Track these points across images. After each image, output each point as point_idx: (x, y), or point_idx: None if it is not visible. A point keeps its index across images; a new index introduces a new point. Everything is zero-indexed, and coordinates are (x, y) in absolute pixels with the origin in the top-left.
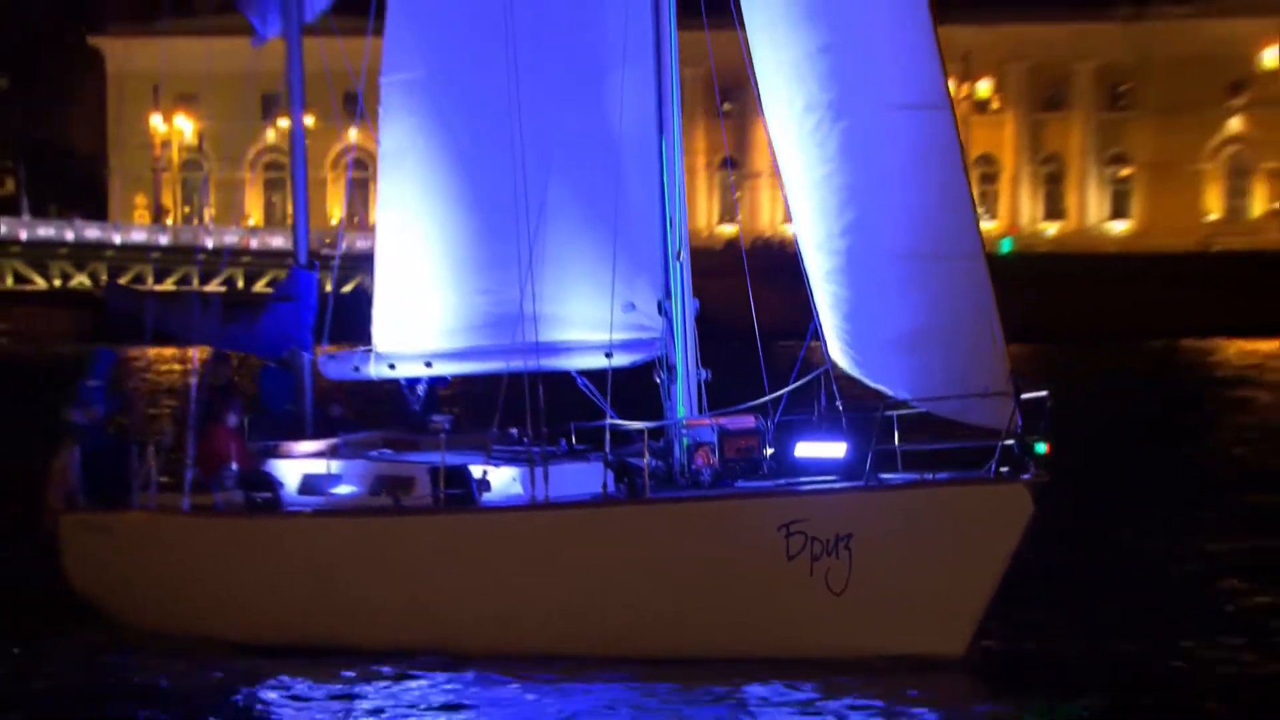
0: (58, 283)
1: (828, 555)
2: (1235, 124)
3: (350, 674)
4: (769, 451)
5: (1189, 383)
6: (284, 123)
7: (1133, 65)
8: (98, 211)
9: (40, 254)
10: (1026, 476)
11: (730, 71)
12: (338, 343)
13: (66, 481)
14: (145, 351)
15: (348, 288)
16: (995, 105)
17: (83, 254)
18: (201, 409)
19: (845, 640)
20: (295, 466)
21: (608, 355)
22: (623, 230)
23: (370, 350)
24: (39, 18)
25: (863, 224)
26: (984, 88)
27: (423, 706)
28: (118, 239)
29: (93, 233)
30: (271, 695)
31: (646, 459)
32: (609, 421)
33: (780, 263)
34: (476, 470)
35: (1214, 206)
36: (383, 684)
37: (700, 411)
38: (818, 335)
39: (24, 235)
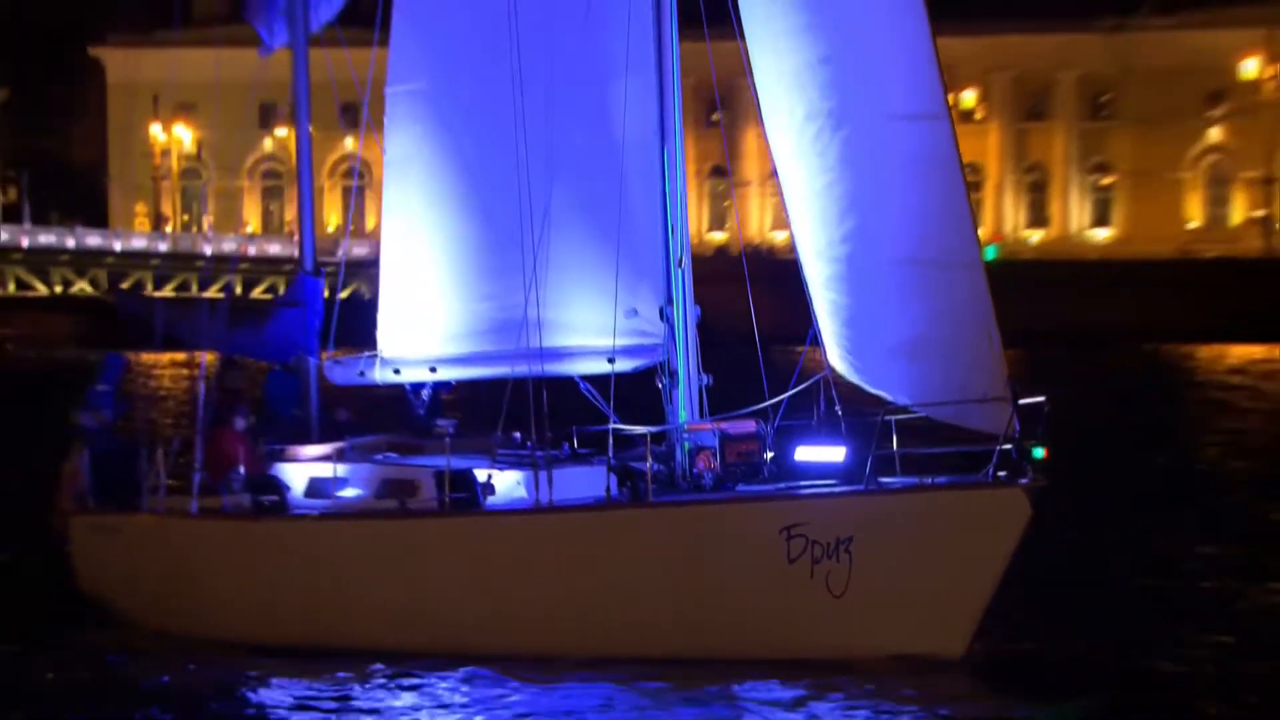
0: (59, 289)
1: (828, 558)
2: (1215, 133)
3: (355, 675)
4: (769, 456)
5: (1171, 387)
6: (281, 132)
7: (1114, 76)
8: (98, 219)
9: (42, 261)
10: (1024, 481)
11: (720, 81)
12: (340, 347)
13: (76, 484)
14: (140, 356)
15: (344, 294)
16: (980, 115)
17: (83, 261)
18: (210, 413)
19: (845, 641)
20: (302, 470)
21: (610, 361)
22: (625, 238)
23: (375, 355)
24: (41, 29)
25: (863, 232)
26: (969, 98)
27: (426, 707)
28: (118, 246)
29: (93, 240)
30: (277, 695)
31: (649, 463)
32: (612, 426)
33: (770, 269)
34: (481, 474)
35: (1194, 214)
36: (387, 684)
37: (702, 416)
38: (817, 341)
39: (26, 242)
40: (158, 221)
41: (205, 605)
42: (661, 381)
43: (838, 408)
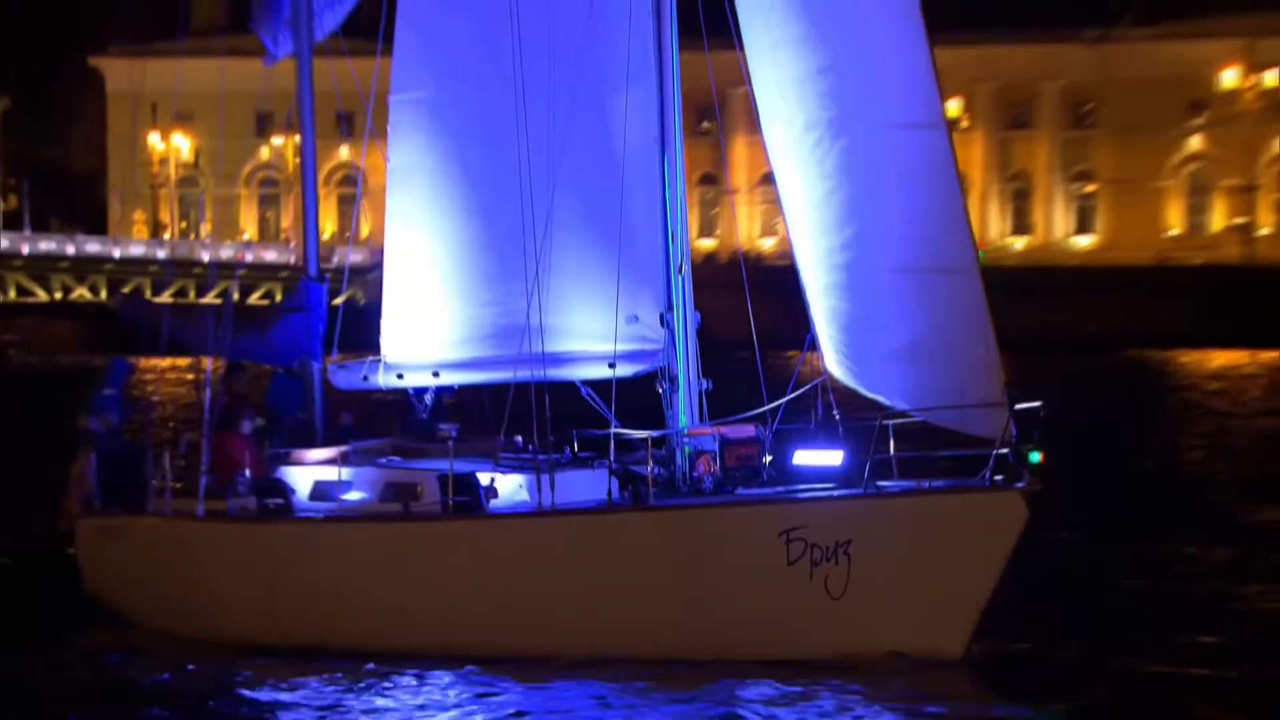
0: (59, 295)
1: (827, 560)
2: (1195, 142)
3: (358, 675)
4: (768, 459)
5: (1155, 392)
6: (278, 140)
7: (1096, 86)
8: (98, 226)
9: (42, 267)
10: (1021, 484)
11: (707, 92)
12: (343, 352)
13: (83, 487)
14: (139, 361)
15: (338, 300)
16: (964, 124)
17: (83, 267)
18: (215, 417)
19: (844, 643)
20: (306, 473)
21: (611, 366)
22: (626, 245)
23: (379, 360)
24: (41, 39)
25: (861, 239)
26: (953, 107)
27: (428, 707)
28: (117, 253)
29: (93, 247)
30: (281, 696)
31: (650, 467)
32: (613, 430)
33: (758, 275)
34: (484, 477)
35: (1175, 222)
36: (390, 685)
37: (701, 421)
38: (814, 346)
39: (26, 249)
40: (156, 229)
41: (211, 606)
42: (662, 386)
43: (835, 412)
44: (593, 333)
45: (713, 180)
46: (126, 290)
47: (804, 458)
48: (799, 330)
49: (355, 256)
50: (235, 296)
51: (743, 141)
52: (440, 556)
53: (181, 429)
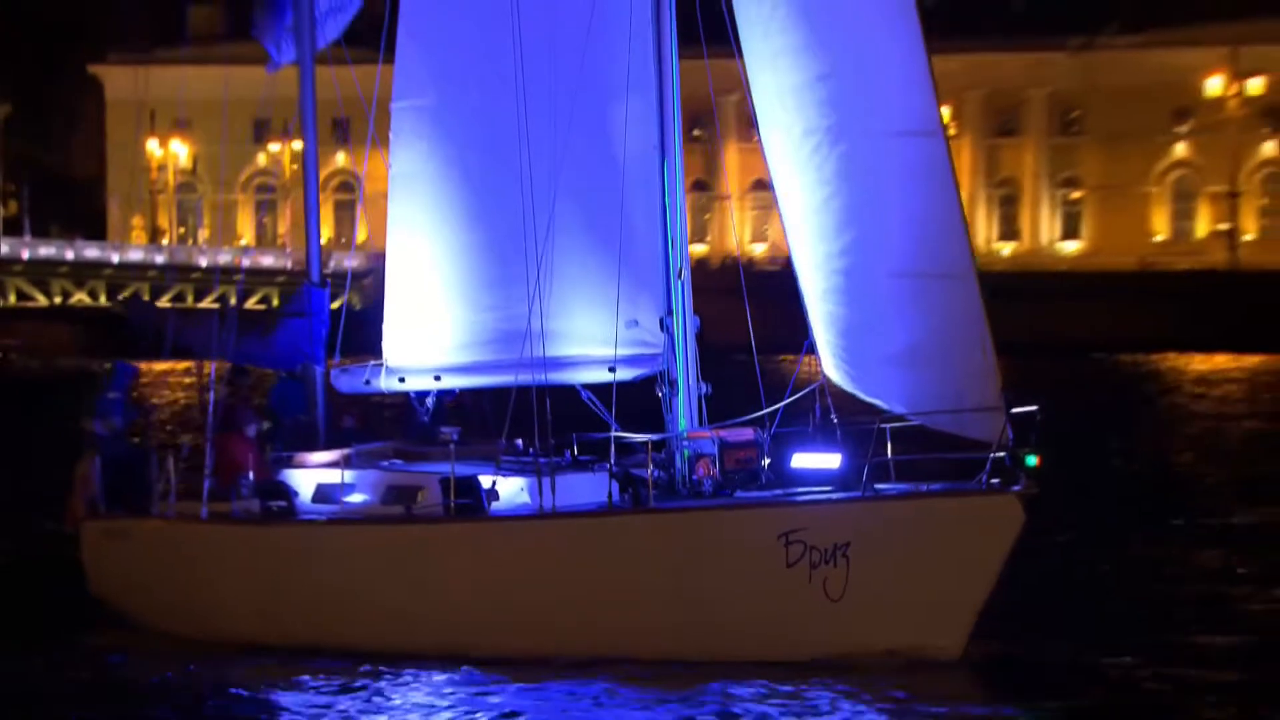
0: (58, 300)
1: (826, 563)
2: (1180, 149)
3: (360, 676)
4: (766, 462)
5: (1143, 396)
6: (275, 147)
7: (1083, 93)
8: (97, 232)
9: (42, 272)
10: (1017, 488)
11: (698, 100)
12: (342, 356)
13: (88, 489)
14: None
15: (335, 304)
16: (952, 131)
17: (82, 272)
18: (219, 420)
19: (843, 644)
20: (309, 476)
21: (612, 370)
22: (626, 250)
23: (381, 364)
24: (42, 48)
25: (860, 245)
26: (942, 114)
27: (429, 707)
28: (116, 258)
29: (92, 252)
30: (284, 697)
31: (650, 470)
32: (613, 434)
33: (751, 280)
34: (485, 480)
35: (1160, 228)
36: (392, 686)
37: (701, 424)
38: (812, 351)
39: (26, 254)
40: (155, 234)
41: (214, 608)
42: (661, 390)
43: (833, 416)
44: (593, 337)
45: (704, 186)
46: (125, 295)
47: (802, 461)
48: (790, 334)
49: (352, 262)
50: (232, 301)
51: (733, 148)
52: (442, 558)
53: (179, 432)
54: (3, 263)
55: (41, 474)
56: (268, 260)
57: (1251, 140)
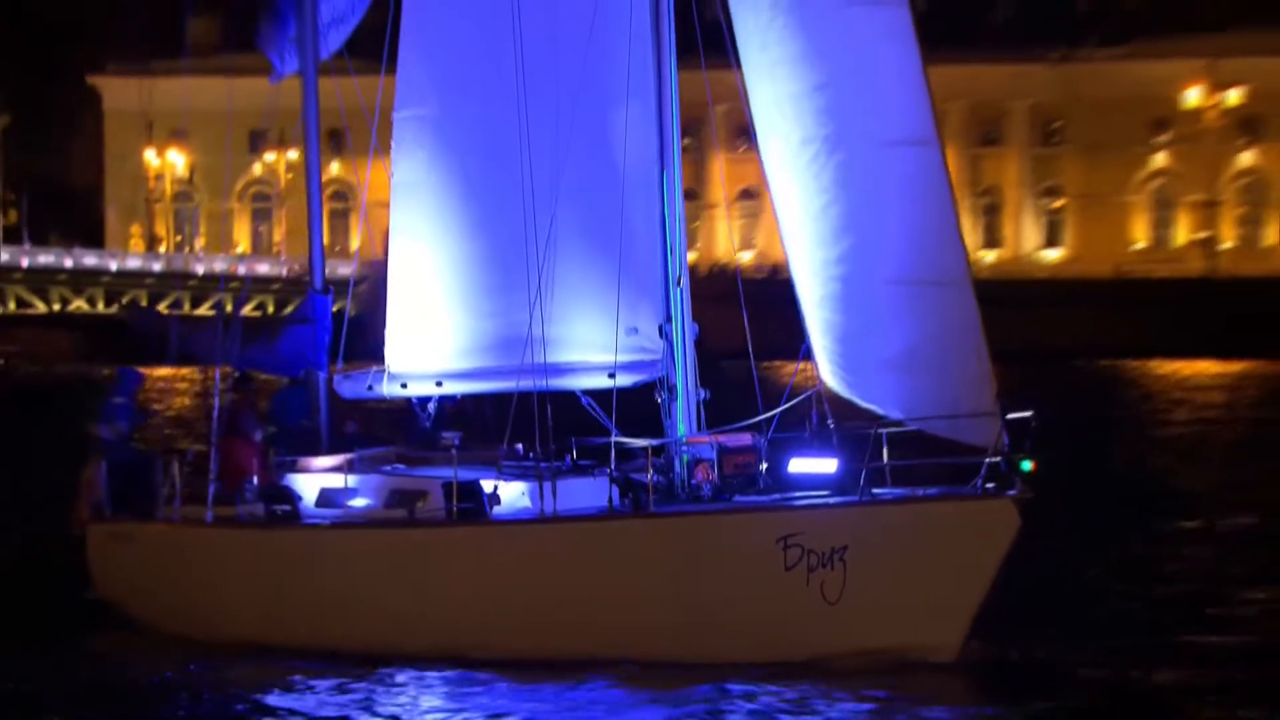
0: (57, 307)
1: (823, 566)
2: (1159, 159)
3: (363, 678)
4: (764, 467)
5: (1124, 402)
6: (270, 157)
7: (1064, 104)
8: (95, 240)
9: (41, 280)
10: (1013, 492)
11: (688, 110)
12: (347, 362)
13: (94, 493)
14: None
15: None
16: None
17: (81, 280)
18: (223, 425)
19: (840, 646)
20: (313, 480)
21: (611, 376)
22: (626, 258)
23: (383, 370)
24: (41, 59)
25: (857, 252)
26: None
27: (431, 708)
28: (114, 266)
29: (90, 260)
30: (287, 699)
31: (650, 474)
32: (613, 439)
33: (736, 288)
34: (487, 485)
35: (1140, 236)
36: (394, 687)
37: (699, 429)
38: (809, 357)
39: (25, 262)
40: (152, 242)
41: (219, 610)
42: (660, 396)
43: (830, 421)
44: (593, 343)
45: (691, 196)
46: (125, 301)
47: (799, 465)
48: (777, 340)
49: (344, 270)
50: (228, 308)
51: (724, 158)
52: (445, 562)
53: (178, 436)
54: (2, 270)
55: (45, 478)
56: (263, 268)
57: (1229, 150)
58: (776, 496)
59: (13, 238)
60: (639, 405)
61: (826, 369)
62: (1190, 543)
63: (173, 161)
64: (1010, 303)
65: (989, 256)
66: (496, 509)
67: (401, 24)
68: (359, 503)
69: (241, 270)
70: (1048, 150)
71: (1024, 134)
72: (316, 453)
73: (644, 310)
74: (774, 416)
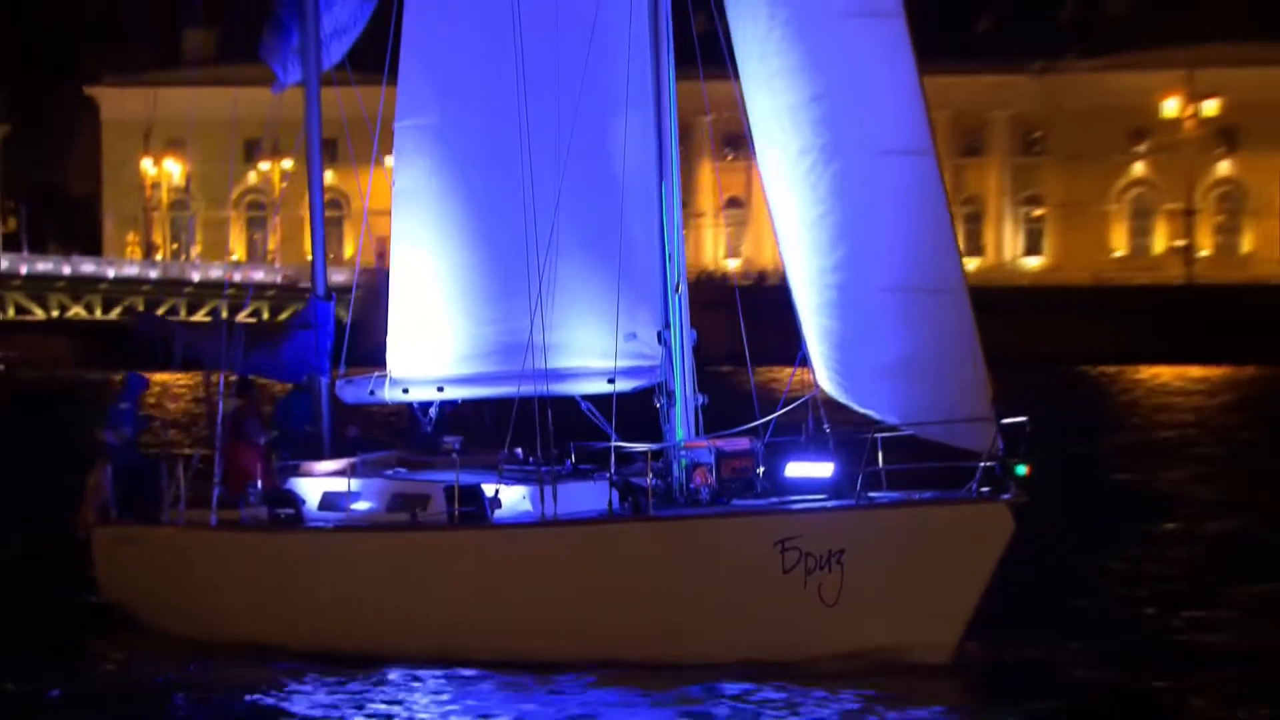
0: (55, 313)
1: (821, 569)
2: (1138, 168)
3: (365, 679)
4: (760, 471)
5: (1105, 407)
6: (264, 166)
7: (1044, 115)
8: (93, 248)
9: (39, 287)
10: (1007, 496)
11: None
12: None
13: (99, 497)
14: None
15: None
16: None
17: (79, 287)
18: (227, 430)
19: (837, 648)
20: (316, 484)
21: (611, 381)
22: (625, 265)
23: (385, 375)
24: (40, 70)
25: (853, 260)
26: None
27: (432, 708)
28: (111, 273)
29: (88, 267)
30: (290, 699)
31: (649, 478)
32: (613, 443)
33: (727, 294)
34: (489, 489)
35: (1119, 244)
36: (396, 688)
37: (697, 434)
38: (805, 363)
39: (24, 270)
40: (149, 250)
41: (223, 612)
42: (659, 401)
43: (825, 426)
44: (593, 349)
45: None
46: (118, 309)
47: (796, 470)
48: (766, 346)
49: (338, 277)
50: (224, 314)
51: (708, 167)
52: (447, 565)
53: (175, 442)
54: (2, 277)
55: (46, 481)
56: (258, 275)
57: (1206, 160)
58: (774, 500)
59: (12, 245)
60: (638, 410)
61: (823, 374)
62: (1179, 544)
63: (169, 170)
64: (992, 309)
65: (971, 264)
66: (498, 512)
67: (403, 35)
68: (362, 506)
69: (236, 277)
70: (1028, 160)
71: (1005, 144)
72: (319, 457)
73: (643, 316)
74: (770, 421)
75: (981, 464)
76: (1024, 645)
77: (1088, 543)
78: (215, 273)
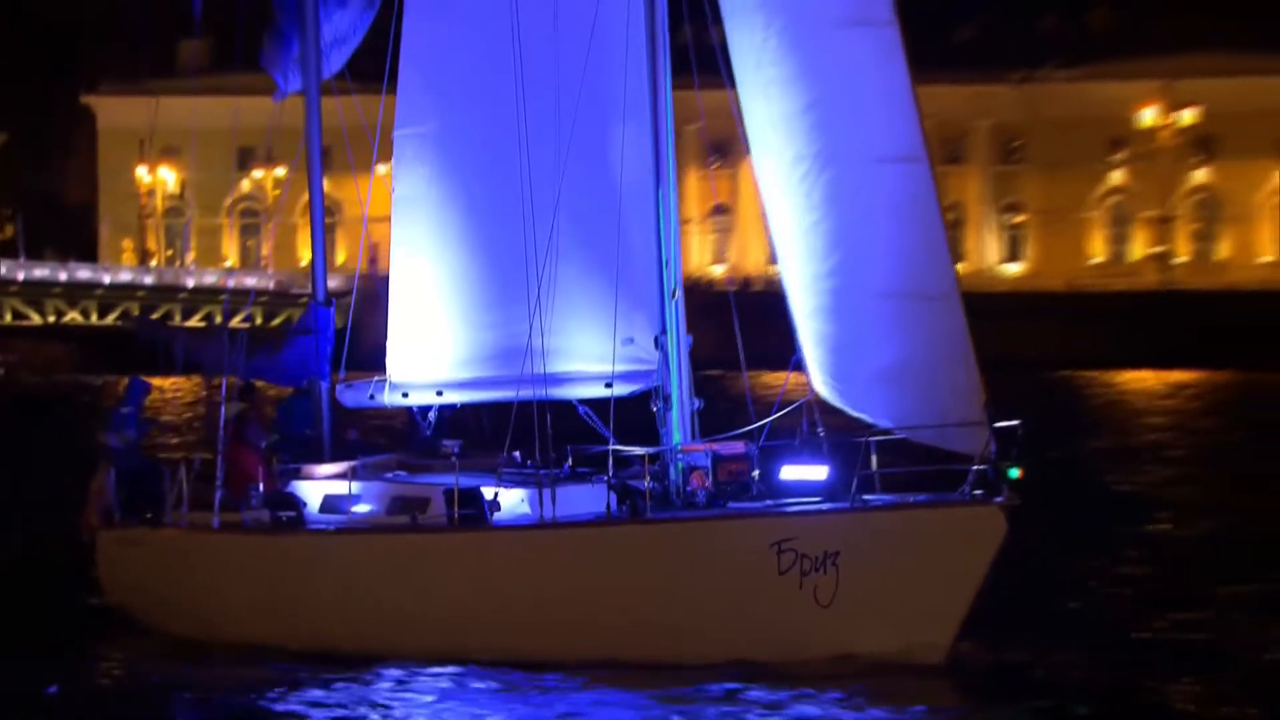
0: (52, 319)
1: (816, 570)
2: (1116, 176)
3: (365, 679)
4: (756, 474)
5: (1084, 411)
6: (258, 174)
7: (1024, 124)
8: (89, 254)
9: (36, 292)
10: (1000, 499)
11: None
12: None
13: (103, 500)
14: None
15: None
16: None
17: (75, 293)
18: (229, 434)
19: (832, 648)
20: (317, 487)
21: (608, 385)
22: (623, 271)
23: (385, 380)
24: (37, 78)
25: (847, 266)
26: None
27: (432, 708)
28: (107, 279)
29: (84, 273)
30: (291, 699)
31: (647, 482)
32: (611, 447)
33: (714, 299)
34: (488, 491)
35: (1098, 251)
36: (396, 688)
37: (694, 438)
38: (800, 368)
39: (21, 276)
40: (144, 256)
41: (224, 613)
42: (656, 405)
43: (820, 430)
44: (591, 354)
45: None
46: (114, 315)
47: (791, 473)
48: (754, 352)
49: (331, 283)
50: (217, 319)
51: (695, 175)
52: (446, 566)
53: (174, 445)
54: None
55: (46, 483)
56: (251, 281)
57: (1183, 168)
58: (769, 503)
59: (9, 252)
60: (635, 414)
61: (818, 379)
62: (1164, 546)
63: (164, 178)
64: (975, 314)
65: None
66: (497, 515)
67: (402, 43)
68: (362, 509)
69: (230, 283)
70: (1009, 168)
71: (986, 152)
72: (320, 460)
73: (640, 322)
74: (765, 425)
75: (974, 467)
76: (1017, 646)
77: (1075, 545)
78: (209, 278)
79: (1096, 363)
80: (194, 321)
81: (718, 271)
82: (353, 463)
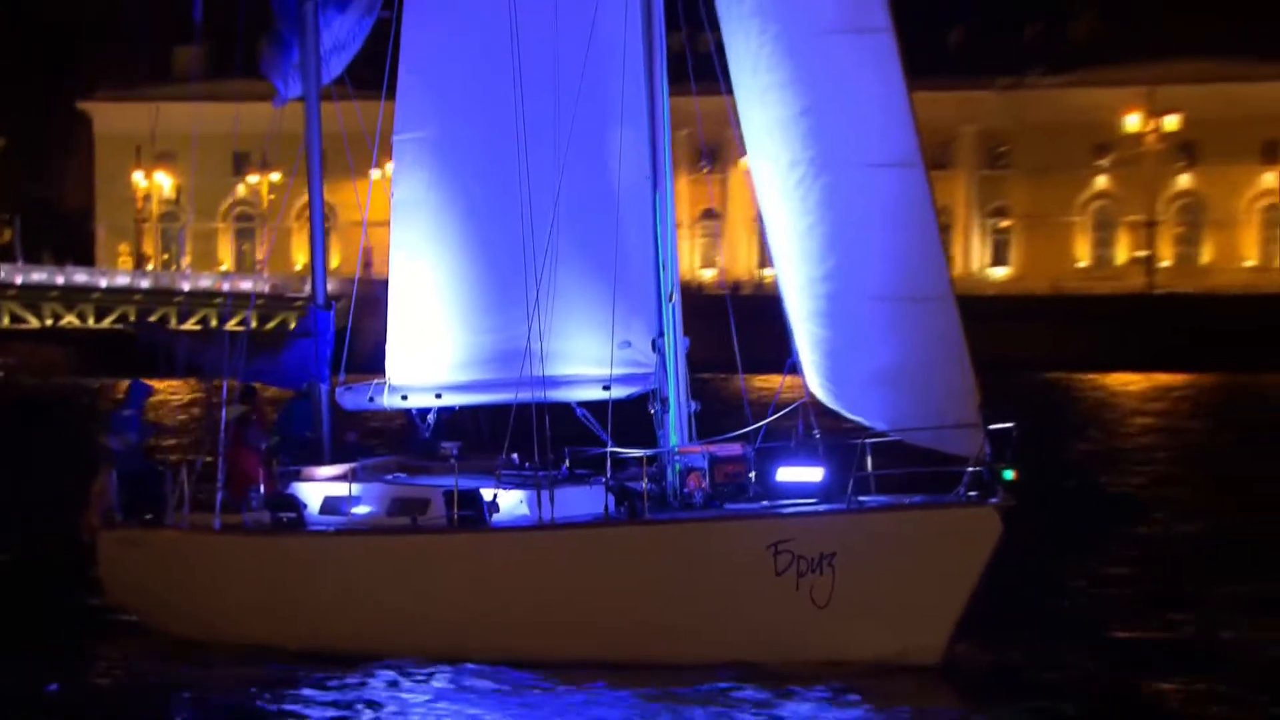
0: (49, 322)
1: (812, 571)
2: (1101, 181)
3: (364, 679)
4: (752, 476)
5: (1071, 412)
6: (253, 179)
7: (1010, 129)
8: (86, 258)
9: (34, 296)
10: (995, 500)
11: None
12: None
13: (104, 501)
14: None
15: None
16: None
17: (72, 296)
18: (230, 436)
19: (828, 649)
20: (317, 489)
21: (606, 388)
22: (620, 274)
23: (384, 382)
24: (34, 85)
25: (843, 270)
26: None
27: (432, 709)
28: (104, 283)
29: (81, 277)
30: (292, 699)
31: (645, 483)
32: (609, 449)
33: (705, 303)
34: (487, 493)
35: (1083, 254)
36: (396, 688)
37: (691, 440)
38: (796, 370)
39: (19, 279)
40: (140, 260)
41: (225, 614)
42: (653, 408)
43: (816, 432)
44: (588, 357)
45: None
46: (111, 318)
47: (787, 474)
48: (744, 355)
49: (328, 286)
50: (213, 322)
51: (685, 180)
52: (446, 567)
53: (173, 448)
54: None
55: (46, 484)
56: (246, 285)
57: (1167, 173)
58: (766, 504)
59: (7, 256)
60: (633, 416)
61: (814, 381)
62: (1155, 546)
63: (160, 183)
64: (965, 317)
65: None
66: (496, 516)
67: (401, 50)
68: (362, 510)
69: (225, 287)
70: (995, 173)
71: (972, 157)
72: (320, 462)
73: (637, 325)
74: (762, 427)
75: (969, 469)
76: (1012, 647)
77: (1069, 545)
78: (205, 282)
79: (1086, 365)
80: (190, 325)
81: (708, 275)
82: (353, 465)
